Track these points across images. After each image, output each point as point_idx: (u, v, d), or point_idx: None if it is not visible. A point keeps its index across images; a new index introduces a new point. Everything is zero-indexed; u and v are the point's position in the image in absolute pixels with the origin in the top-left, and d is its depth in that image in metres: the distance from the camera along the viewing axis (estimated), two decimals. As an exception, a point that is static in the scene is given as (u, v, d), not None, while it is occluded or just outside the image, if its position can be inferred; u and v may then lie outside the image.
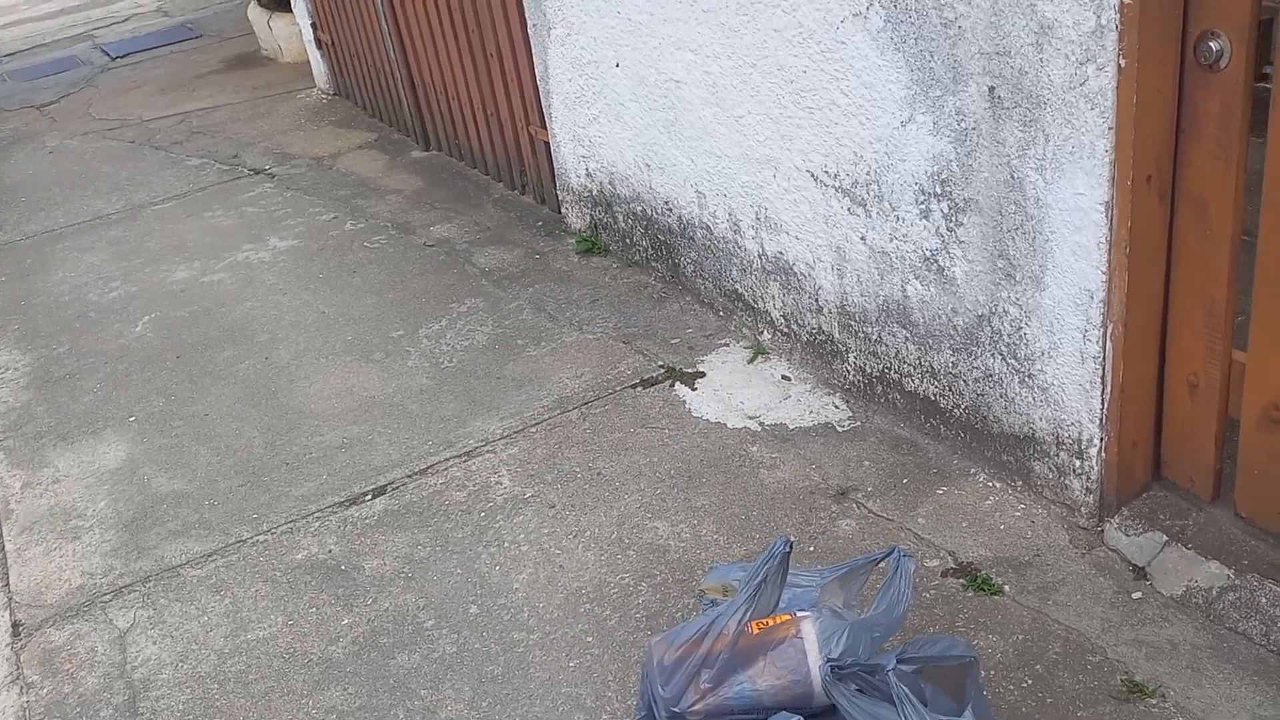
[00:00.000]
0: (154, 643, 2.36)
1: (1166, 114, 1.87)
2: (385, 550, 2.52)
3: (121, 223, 4.67)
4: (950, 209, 2.28)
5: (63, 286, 4.14)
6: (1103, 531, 2.21)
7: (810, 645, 1.66)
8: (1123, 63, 1.81)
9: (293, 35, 6.39)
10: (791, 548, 1.69)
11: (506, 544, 2.48)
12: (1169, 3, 1.79)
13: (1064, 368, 2.15)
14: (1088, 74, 1.87)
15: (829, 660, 1.53)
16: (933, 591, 2.17)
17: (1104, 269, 1.99)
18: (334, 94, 5.90)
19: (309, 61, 6.07)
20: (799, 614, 1.73)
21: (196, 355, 3.50)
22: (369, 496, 2.72)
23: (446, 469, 2.78)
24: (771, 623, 1.70)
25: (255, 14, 6.81)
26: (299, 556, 2.55)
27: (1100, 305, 2.03)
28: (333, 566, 2.50)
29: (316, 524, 2.65)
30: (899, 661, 1.51)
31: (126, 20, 8.67)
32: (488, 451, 2.82)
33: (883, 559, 1.76)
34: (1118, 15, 1.78)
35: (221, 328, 3.65)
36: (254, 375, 3.34)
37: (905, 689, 1.46)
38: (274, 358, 3.42)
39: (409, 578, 2.43)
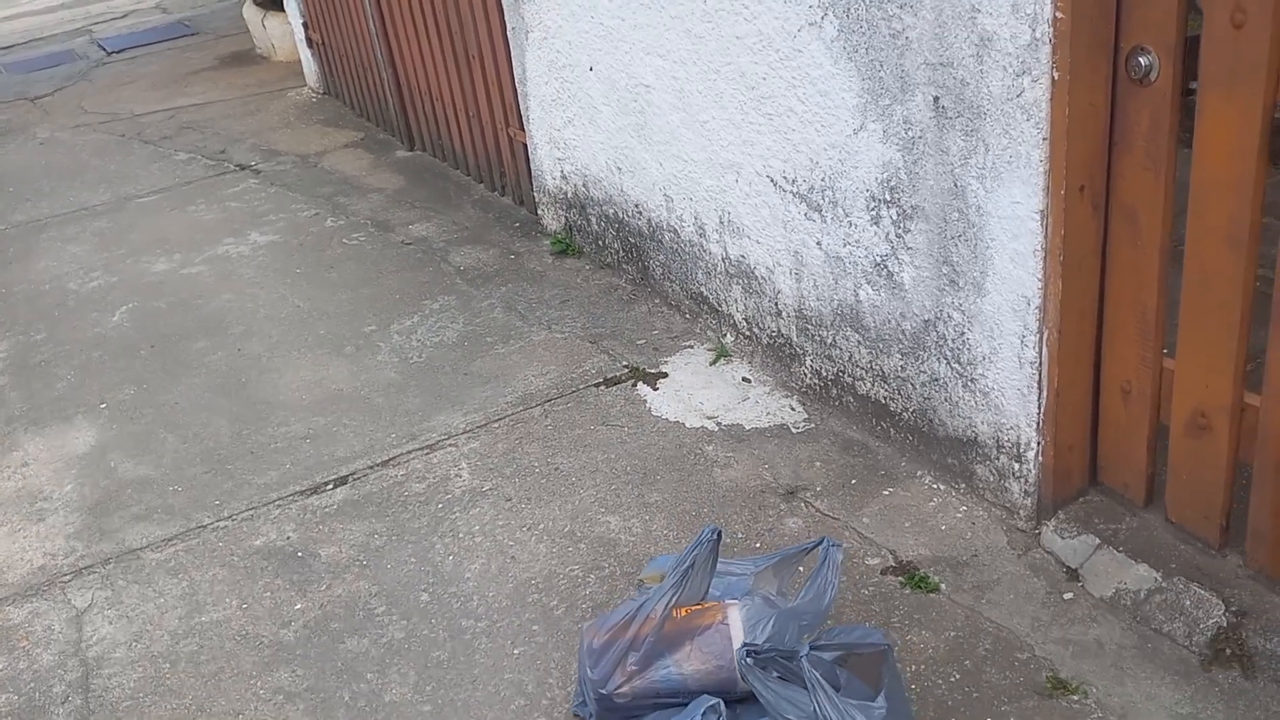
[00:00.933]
0: (110, 623, 2.40)
1: (1099, 126, 1.92)
2: (342, 538, 2.57)
3: (106, 214, 4.72)
4: (899, 215, 2.33)
5: (44, 275, 4.19)
6: (1039, 534, 2.26)
7: (735, 631, 1.71)
8: (1056, 75, 1.87)
9: (286, 34, 6.46)
10: (720, 536, 1.73)
11: (461, 535, 2.53)
12: (1100, 19, 1.84)
13: (1004, 372, 2.21)
14: (1024, 86, 1.92)
15: (745, 645, 1.58)
16: (871, 588, 2.22)
17: (1040, 276, 2.04)
18: (324, 93, 5.96)
19: (300, 61, 6.13)
20: (727, 601, 1.77)
21: (171, 346, 3.55)
22: (330, 486, 2.77)
23: (408, 461, 2.82)
24: (699, 608, 1.74)
25: (250, 13, 6.88)
26: (258, 543, 2.59)
27: (1037, 311, 2.08)
28: (290, 553, 2.55)
29: (277, 512, 2.69)
30: (813, 649, 1.56)
31: (125, 16, 8.74)
32: (449, 445, 2.87)
33: (813, 548, 1.81)
34: (1051, 30, 1.84)
35: (197, 319, 3.70)
36: (226, 366, 3.39)
37: (818, 674, 1.51)
38: (246, 350, 3.47)
39: (364, 565, 2.48)
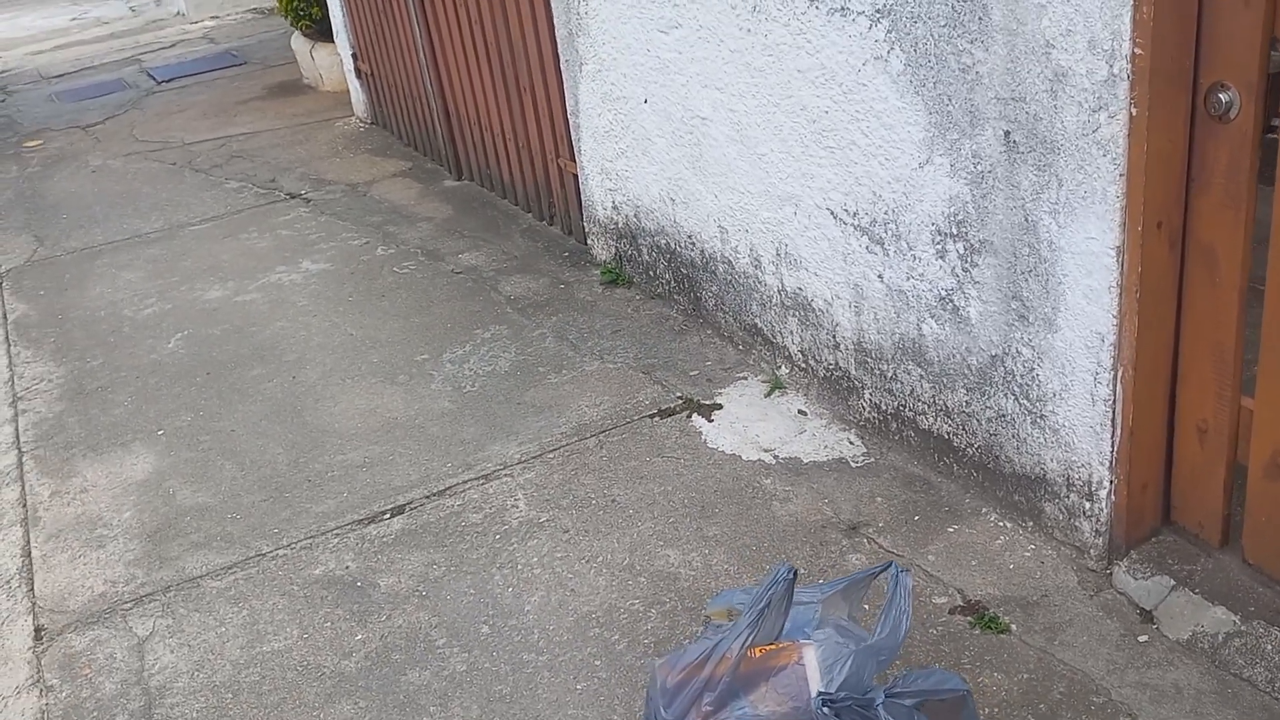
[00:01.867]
0: (171, 651, 2.41)
1: (1177, 162, 1.90)
2: (401, 568, 2.57)
3: (159, 242, 4.78)
4: (966, 250, 2.31)
5: (99, 302, 4.25)
6: (1111, 574, 2.22)
7: (812, 672, 1.68)
8: (1134, 111, 1.85)
9: (334, 65, 6.54)
10: (796, 575, 1.71)
11: (520, 566, 2.52)
12: (1179, 55, 1.83)
13: (1075, 410, 2.18)
14: (1100, 121, 1.91)
15: (821, 694, 1.56)
16: (939, 628, 2.19)
17: (1115, 313, 2.02)
18: (371, 123, 6.02)
19: (348, 91, 6.20)
20: (802, 641, 1.75)
21: (226, 372, 3.58)
22: (387, 515, 2.77)
23: (464, 491, 2.82)
24: (775, 648, 1.72)
25: (299, 43, 6.98)
26: (317, 572, 2.60)
27: (1111, 349, 2.05)
28: (349, 582, 2.55)
29: (335, 540, 2.70)
30: (890, 696, 1.53)
31: (173, 46, 8.89)
32: (505, 475, 2.86)
33: (880, 572, 1.79)
34: (1129, 65, 1.83)
35: (251, 346, 3.73)
36: (281, 394, 3.41)
37: (899, 720, 1.48)
38: (301, 377, 3.49)
39: (423, 596, 2.47)
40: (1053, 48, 1.96)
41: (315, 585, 2.55)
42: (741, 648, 1.68)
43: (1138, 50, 1.82)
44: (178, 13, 10.02)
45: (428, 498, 2.82)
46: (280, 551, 2.69)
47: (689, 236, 3.37)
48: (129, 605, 2.57)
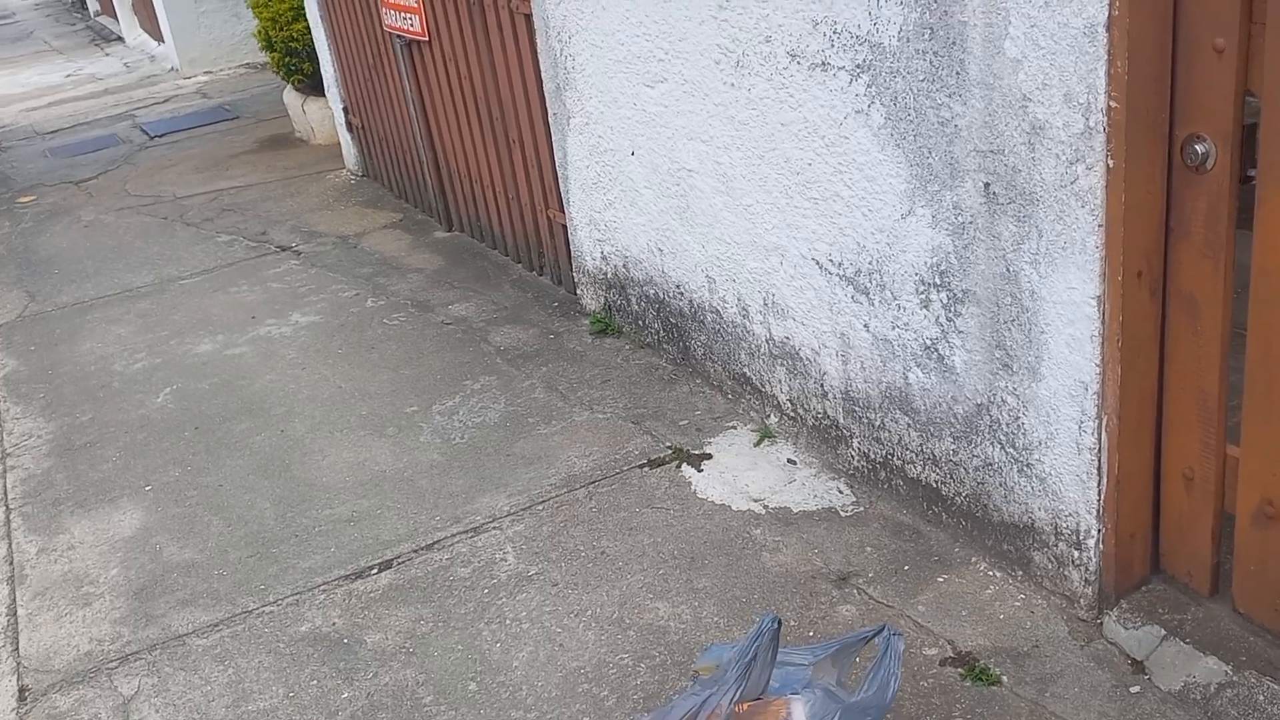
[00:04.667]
0: (156, 711, 2.38)
1: (1155, 212, 1.92)
2: (388, 625, 2.55)
3: (150, 296, 4.79)
4: (949, 299, 2.33)
5: (89, 357, 4.24)
6: (1101, 624, 2.21)
7: (800, 729, 1.67)
8: (1111, 163, 1.87)
9: (325, 118, 6.60)
10: (780, 625, 1.70)
11: (508, 621, 2.50)
12: (1154, 107, 1.85)
13: (1061, 458, 2.18)
14: (1078, 173, 1.93)
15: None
16: (930, 680, 2.17)
17: (1098, 362, 2.03)
18: (362, 175, 6.07)
19: (340, 144, 6.26)
20: (791, 695, 1.74)
21: (214, 427, 3.57)
22: (375, 570, 2.75)
23: (453, 545, 2.81)
24: (762, 702, 1.71)
25: (290, 97, 7.05)
26: (303, 629, 2.57)
27: (1095, 397, 2.06)
28: (336, 640, 2.52)
29: (322, 597, 2.68)
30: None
31: (167, 101, 8.97)
32: (494, 528, 2.85)
33: (873, 635, 1.78)
34: (1105, 118, 1.85)
35: (240, 400, 3.73)
36: (269, 448, 3.40)
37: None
38: (289, 431, 3.48)
39: (410, 653, 2.45)
40: (1029, 101, 1.99)
41: (301, 643, 2.53)
42: (730, 703, 1.67)
43: (1113, 103, 1.84)
44: (171, 68, 10.12)
45: (416, 552, 2.80)
46: (267, 608, 2.66)
47: (677, 286, 3.38)
48: (114, 664, 2.54)
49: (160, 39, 10.69)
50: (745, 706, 1.72)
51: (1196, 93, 1.83)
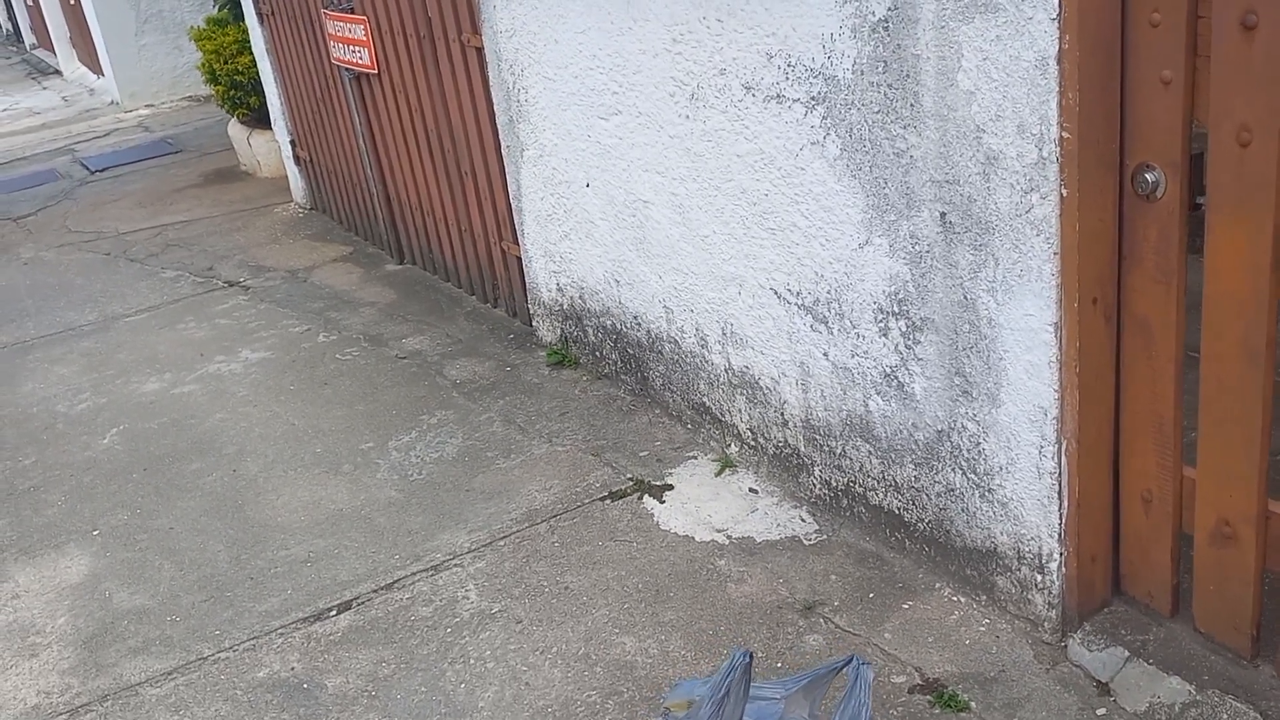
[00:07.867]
0: (108, 766, 2.30)
1: (1108, 240, 1.96)
2: (349, 668, 2.49)
3: (94, 334, 4.68)
4: (908, 327, 2.35)
5: (31, 398, 4.14)
6: (1066, 646, 2.23)
7: (775, 764, 1.65)
8: (1064, 192, 1.91)
9: (271, 151, 6.53)
10: (752, 659, 1.69)
11: (472, 661, 2.46)
12: (1106, 138, 1.89)
13: (1022, 483, 2.20)
14: (1032, 202, 1.96)
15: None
16: (900, 708, 2.17)
17: (1056, 387, 2.05)
18: (311, 208, 6.01)
19: (287, 177, 6.19)
20: (764, 732, 1.72)
21: (164, 467, 3.49)
22: (334, 612, 2.70)
23: (413, 583, 2.76)
24: (736, 741, 1.69)
25: (235, 130, 6.97)
26: (261, 674, 2.51)
27: (1054, 422, 2.08)
28: (295, 685, 2.46)
29: (280, 640, 2.62)
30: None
31: (107, 135, 8.83)
32: (455, 565, 2.81)
33: (843, 666, 1.77)
34: (1058, 149, 1.89)
35: (190, 440, 3.65)
36: (221, 488, 3.33)
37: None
38: (242, 470, 3.42)
39: (372, 696, 2.40)
40: (984, 132, 2.02)
41: (259, 689, 2.47)
42: (704, 741, 1.65)
43: (1065, 134, 1.88)
44: (112, 101, 9.97)
45: (375, 592, 2.75)
46: (222, 654, 2.60)
47: (635, 317, 3.38)
48: (63, 717, 2.46)
49: (99, 72, 10.53)
50: (719, 743, 1.70)
51: (1146, 123, 1.87)
